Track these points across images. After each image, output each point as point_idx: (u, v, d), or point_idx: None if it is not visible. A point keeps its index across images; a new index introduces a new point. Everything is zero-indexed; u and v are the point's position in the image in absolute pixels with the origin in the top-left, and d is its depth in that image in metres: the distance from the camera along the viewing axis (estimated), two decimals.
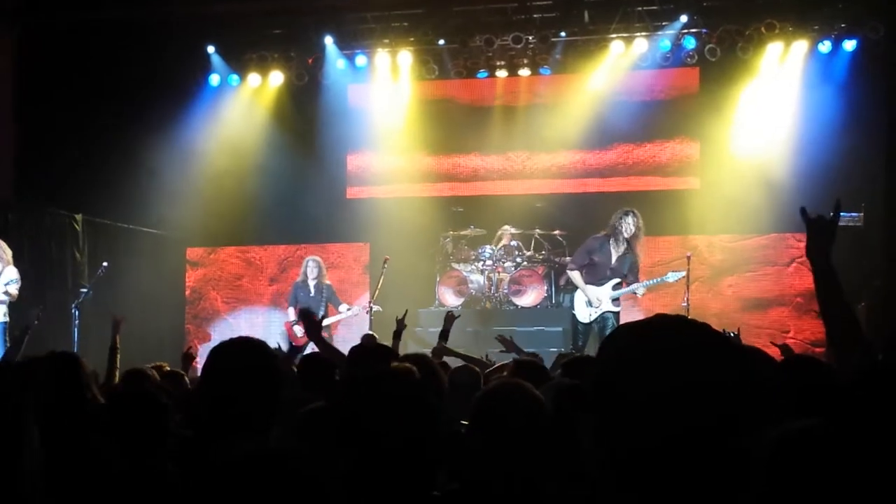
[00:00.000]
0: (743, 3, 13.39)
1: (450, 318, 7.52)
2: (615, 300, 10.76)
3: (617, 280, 10.75)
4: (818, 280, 3.23)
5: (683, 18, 13.38)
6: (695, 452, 1.53)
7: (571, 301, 11.36)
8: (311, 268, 12.47)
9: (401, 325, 7.62)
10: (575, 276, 10.99)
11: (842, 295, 3.21)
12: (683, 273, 11.27)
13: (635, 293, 10.93)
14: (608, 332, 10.30)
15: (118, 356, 7.23)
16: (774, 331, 12.95)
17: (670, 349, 1.57)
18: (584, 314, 10.76)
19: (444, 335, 7.50)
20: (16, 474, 1.97)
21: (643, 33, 13.63)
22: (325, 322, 12.14)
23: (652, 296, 12.51)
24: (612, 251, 10.77)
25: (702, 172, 13.88)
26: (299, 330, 12.16)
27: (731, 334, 7.44)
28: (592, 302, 10.73)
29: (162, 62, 13.76)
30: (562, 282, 13.12)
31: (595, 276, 10.78)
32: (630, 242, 10.73)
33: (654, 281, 11.09)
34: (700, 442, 1.53)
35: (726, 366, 1.57)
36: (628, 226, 10.68)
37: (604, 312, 10.71)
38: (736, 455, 1.53)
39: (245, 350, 3.17)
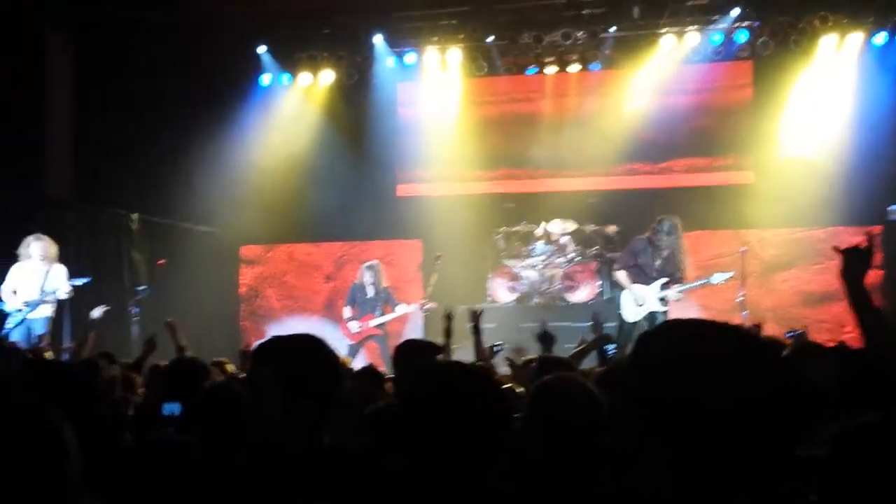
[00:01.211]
0: None
1: (474, 315, 7.49)
2: (662, 300, 10.74)
3: (664, 280, 10.74)
4: (853, 301, 3.35)
5: (735, 11, 13.24)
6: (756, 457, 1.55)
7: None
8: (367, 275, 12.55)
9: (448, 322, 7.64)
10: (621, 275, 11.06)
11: (877, 311, 3.34)
12: (730, 274, 11.24)
13: (679, 295, 10.91)
14: None
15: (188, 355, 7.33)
16: (833, 325, 12.79)
17: (716, 359, 1.59)
18: (631, 313, 10.79)
19: (475, 331, 7.49)
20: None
21: (694, 27, 13.52)
22: (380, 320, 12.28)
23: (707, 291, 12.42)
24: (657, 253, 10.86)
25: (756, 166, 13.75)
26: (355, 326, 12.31)
27: (795, 333, 7.38)
28: (639, 301, 10.74)
29: (214, 62, 13.95)
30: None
31: (641, 276, 10.85)
32: (674, 246, 10.82)
33: (699, 283, 11.07)
34: (760, 447, 1.55)
35: (770, 376, 1.60)
36: (662, 236, 10.80)
37: (651, 312, 10.69)
38: (802, 461, 1.55)
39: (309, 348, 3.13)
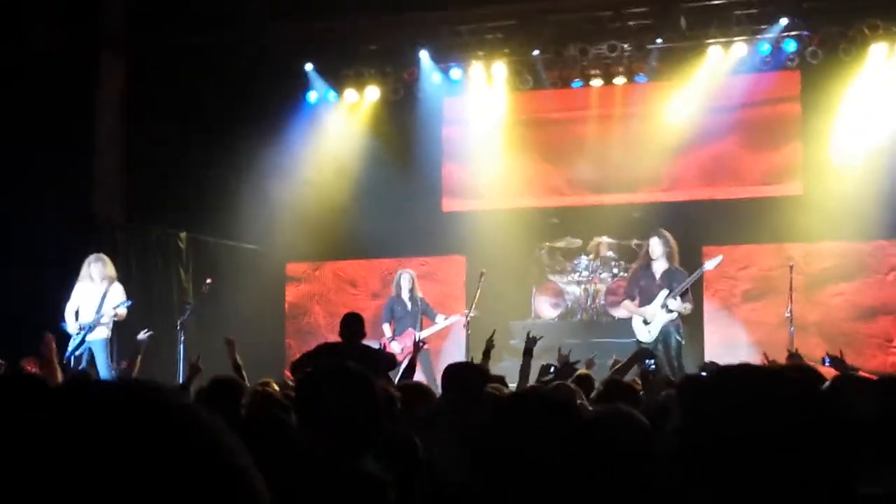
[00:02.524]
0: (845, 4, 13.00)
1: (531, 340, 7.53)
2: (666, 308, 10.64)
3: (665, 292, 10.68)
4: None
5: (783, 21, 13.03)
6: (816, 499, 1.56)
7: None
8: (405, 280, 12.45)
9: (489, 345, 7.80)
10: (627, 304, 11.15)
11: None
12: (720, 258, 11.21)
13: (685, 292, 10.78)
14: (673, 345, 10.33)
15: (244, 373, 7.46)
16: (881, 340, 12.59)
17: (767, 408, 1.61)
18: (643, 334, 10.75)
19: (527, 352, 7.53)
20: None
21: (742, 37, 13.33)
22: (423, 333, 12.20)
23: (750, 307, 12.30)
24: (655, 272, 10.86)
25: (804, 178, 13.53)
26: (397, 346, 12.20)
27: (833, 359, 7.20)
28: (647, 319, 10.69)
29: (261, 80, 14.10)
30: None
31: (647, 299, 10.85)
32: (667, 259, 10.82)
33: (694, 276, 11.01)
34: (818, 487, 1.56)
35: (821, 417, 1.61)
36: (655, 248, 10.85)
37: (662, 326, 10.61)
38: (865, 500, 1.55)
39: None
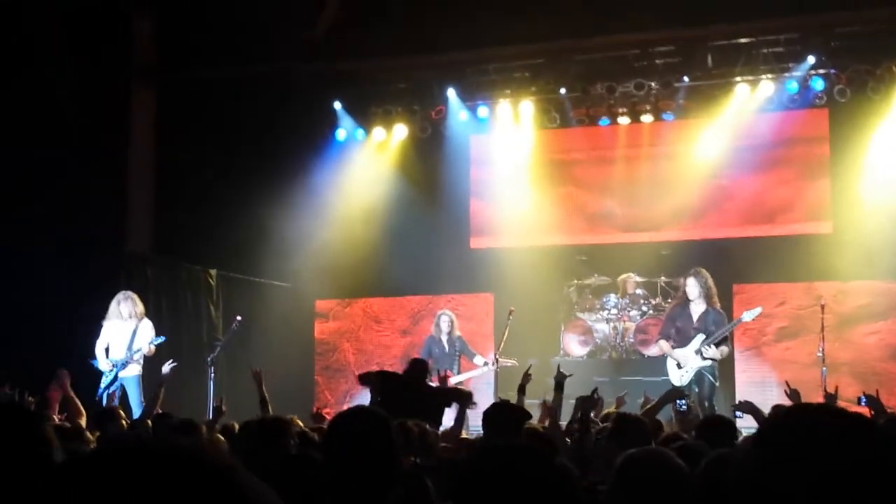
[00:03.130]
0: (873, 42, 13.00)
1: (562, 375, 7.47)
2: (701, 355, 10.54)
3: (703, 336, 10.58)
4: None
5: (811, 59, 13.04)
6: None
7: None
8: (444, 322, 12.40)
9: (525, 380, 7.76)
10: (662, 345, 10.98)
11: None
12: (759, 310, 11.06)
13: (720, 342, 10.68)
14: (706, 386, 10.24)
15: (269, 407, 7.49)
16: None
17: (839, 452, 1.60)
18: (675, 378, 10.65)
19: (558, 387, 7.48)
20: None
21: (769, 75, 13.34)
22: (460, 378, 12.12)
23: (781, 346, 12.23)
24: (692, 313, 10.76)
25: (834, 216, 13.48)
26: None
27: (868, 398, 7.14)
28: (681, 363, 10.59)
29: (291, 118, 14.21)
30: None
31: (682, 340, 10.74)
32: (705, 300, 10.70)
33: (731, 325, 10.92)
34: None
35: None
36: (692, 288, 10.74)
37: (697, 370, 10.54)
38: None
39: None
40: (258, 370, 7.94)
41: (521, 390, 7.73)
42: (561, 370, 7.38)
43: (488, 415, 5.78)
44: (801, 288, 13.20)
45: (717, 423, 5.93)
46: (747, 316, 10.96)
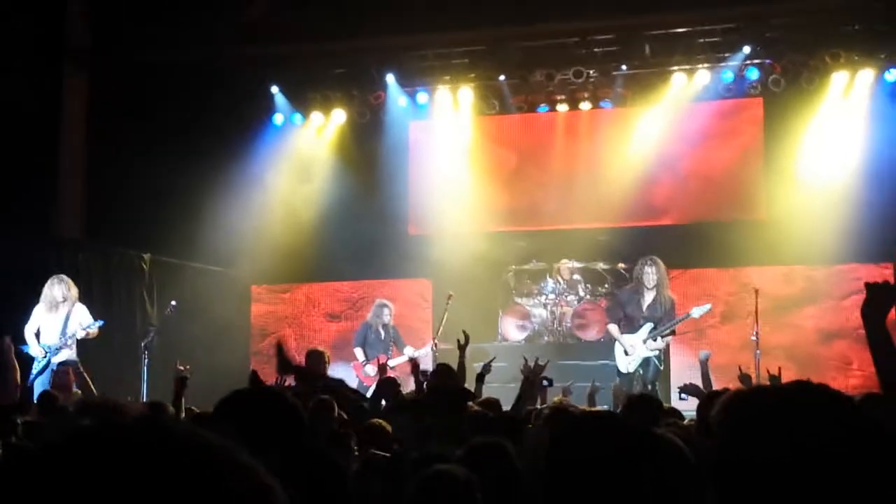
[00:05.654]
0: (807, 34, 13.20)
1: (486, 366, 7.72)
2: (650, 344, 10.69)
3: (651, 325, 10.72)
4: (870, 338, 3.25)
5: (746, 49, 13.23)
6: None
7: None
8: (385, 314, 12.48)
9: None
10: (612, 328, 11.17)
11: (894, 351, 3.22)
12: (708, 306, 11.23)
13: (667, 334, 10.86)
14: (651, 370, 10.39)
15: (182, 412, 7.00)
16: (839, 363, 12.83)
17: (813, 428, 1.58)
18: (623, 364, 10.82)
19: (480, 379, 7.74)
20: None
21: (705, 65, 13.52)
22: (391, 363, 12.12)
23: (724, 330, 12.41)
24: (643, 300, 10.87)
25: (768, 203, 13.67)
26: (371, 370, 12.09)
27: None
28: (628, 350, 10.74)
29: (227, 102, 14.02)
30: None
31: (631, 326, 10.89)
32: (658, 288, 10.83)
33: (679, 320, 11.04)
34: None
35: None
36: (649, 276, 10.84)
37: (644, 357, 10.67)
38: None
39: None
40: (185, 376, 6.86)
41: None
42: (487, 364, 7.61)
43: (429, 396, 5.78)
44: (735, 273, 13.39)
45: (644, 401, 5.94)
46: (696, 312, 11.09)
